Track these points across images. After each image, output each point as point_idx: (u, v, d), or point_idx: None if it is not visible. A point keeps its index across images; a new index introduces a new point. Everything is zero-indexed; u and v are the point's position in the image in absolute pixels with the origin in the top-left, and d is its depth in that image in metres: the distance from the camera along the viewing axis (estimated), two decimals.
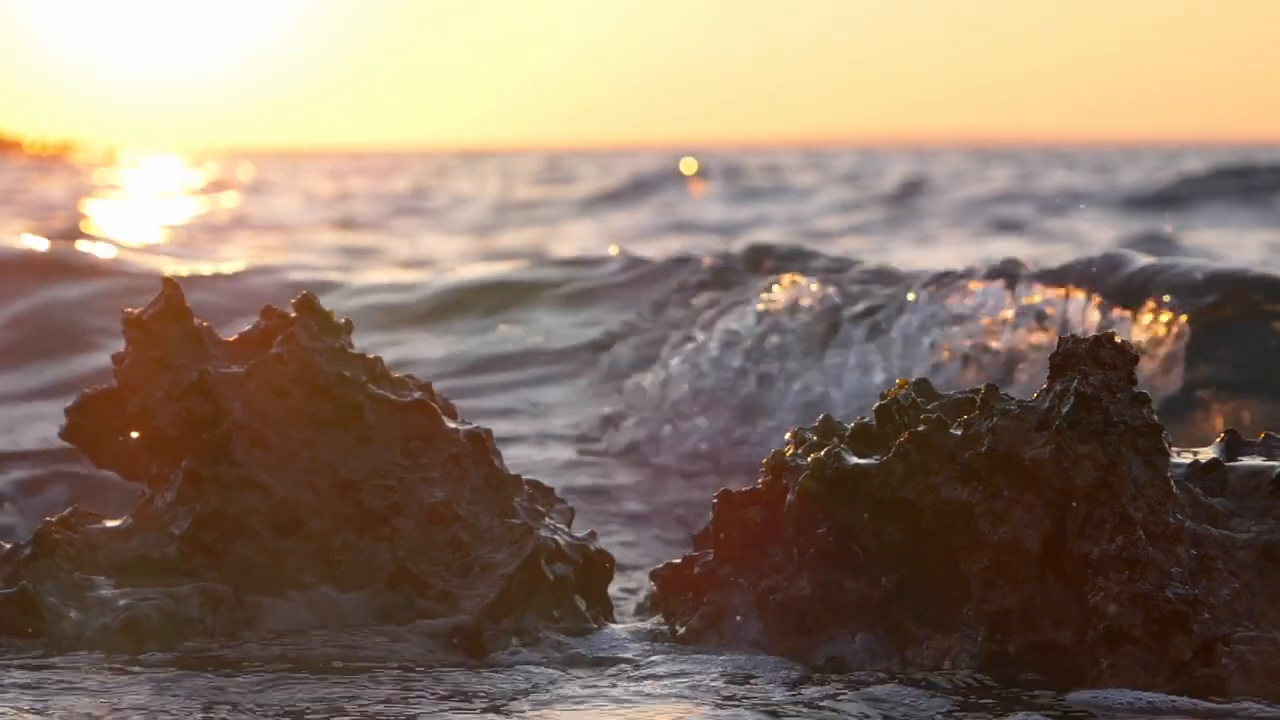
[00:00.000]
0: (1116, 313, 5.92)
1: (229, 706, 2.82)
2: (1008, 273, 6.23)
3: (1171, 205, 25.13)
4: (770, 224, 24.26)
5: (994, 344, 5.89)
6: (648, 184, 37.04)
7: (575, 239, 20.17)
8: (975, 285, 6.15)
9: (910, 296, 6.31)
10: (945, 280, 6.36)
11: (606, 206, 29.50)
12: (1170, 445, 3.00)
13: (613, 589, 3.50)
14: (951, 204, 27.39)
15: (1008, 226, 21.93)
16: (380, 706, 2.84)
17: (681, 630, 3.24)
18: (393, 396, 3.34)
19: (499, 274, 9.31)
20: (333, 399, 3.30)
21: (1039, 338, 5.86)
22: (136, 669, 2.99)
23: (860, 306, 6.49)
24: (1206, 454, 3.17)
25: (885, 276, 6.94)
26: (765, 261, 7.06)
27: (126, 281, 8.79)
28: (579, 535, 3.41)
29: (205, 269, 9.24)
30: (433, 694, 2.95)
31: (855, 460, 3.10)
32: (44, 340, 7.89)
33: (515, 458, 4.89)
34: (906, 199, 29.08)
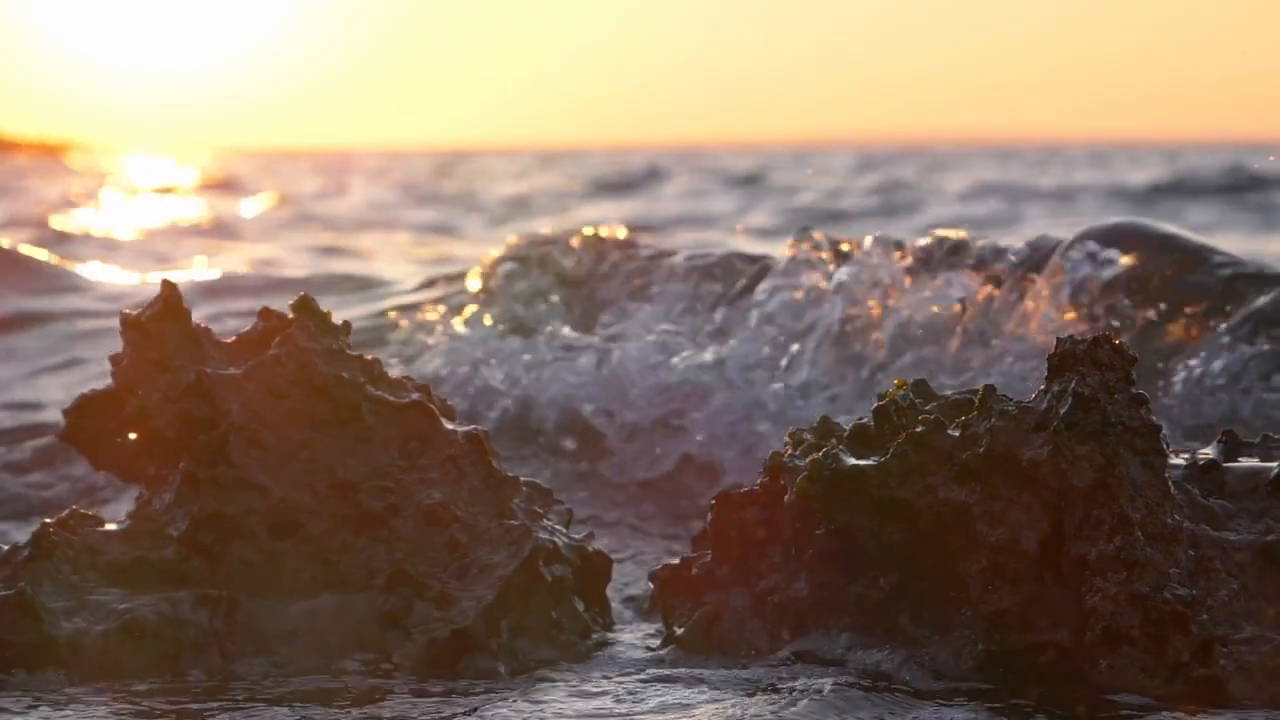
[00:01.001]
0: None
1: None
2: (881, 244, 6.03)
3: (1164, 202, 25.12)
4: (756, 215, 24.30)
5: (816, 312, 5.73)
6: (642, 182, 37.06)
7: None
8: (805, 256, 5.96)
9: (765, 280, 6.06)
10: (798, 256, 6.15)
11: (602, 203, 29.49)
12: (1169, 446, 3.00)
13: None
14: (941, 199, 27.38)
15: (995, 221, 21.89)
16: None
17: (680, 631, 3.24)
18: (391, 398, 3.34)
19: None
20: (331, 400, 3.30)
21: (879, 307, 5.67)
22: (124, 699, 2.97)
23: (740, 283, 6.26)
24: (1205, 455, 3.18)
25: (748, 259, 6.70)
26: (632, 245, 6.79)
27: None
28: (577, 536, 3.41)
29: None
30: (431, 699, 2.95)
31: (853, 461, 3.10)
32: None
33: None
34: (896, 194, 29.09)
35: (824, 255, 5.73)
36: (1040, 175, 37.22)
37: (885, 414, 3.18)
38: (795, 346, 5.38)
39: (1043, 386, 3.00)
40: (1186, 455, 3.17)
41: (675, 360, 5.51)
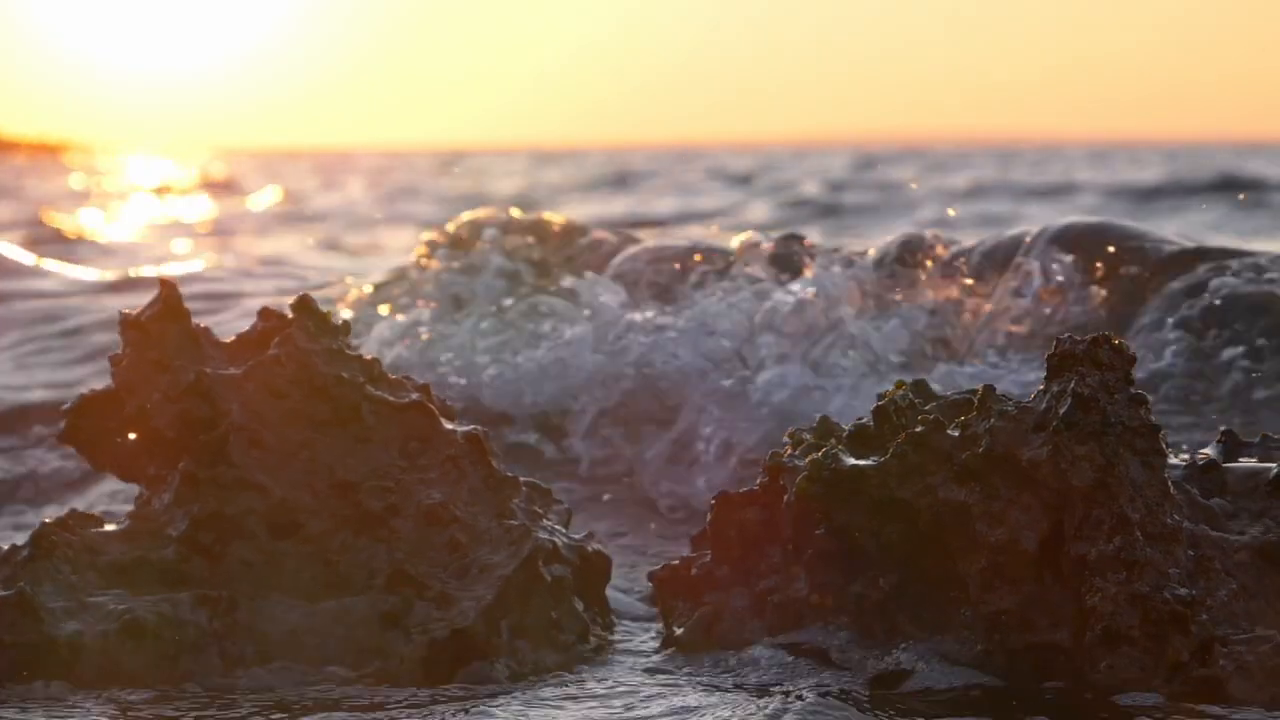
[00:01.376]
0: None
1: None
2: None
3: (1164, 201, 25.10)
4: (752, 211, 24.30)
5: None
6: (641, 178, 37.08)
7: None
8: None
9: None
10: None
11: (602, 199, 29.49)
12: (1168, 446, 3.00)
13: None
14: (942, 198, 27.37)
15: (997, 220, 21.82)
16: None
17: (679, 631, 3.24)
18: (390, 398, 3.34)
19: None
20: (331, 400, 3.30)
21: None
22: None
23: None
24: (1204, 455, 3.18)
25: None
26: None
27: None
28: (576, 536, 3.41)
29: None
30: (430, 700, 2.95)
31: (853, 461, 3.10)
32: None
33: None
34: (895, 193, 29.07)
35: (765, 270, 5.62)
36: (1040, 174, 37.19)
37: (885, 414, 3.18)
38: (729, 381, 5.27)
39: (1042, 386, 3.00)
40: (1186, 455, 3.17)
41: (617, 358, 5.42)
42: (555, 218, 6.53)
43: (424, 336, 5.72)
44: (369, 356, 3.43)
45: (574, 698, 2.96)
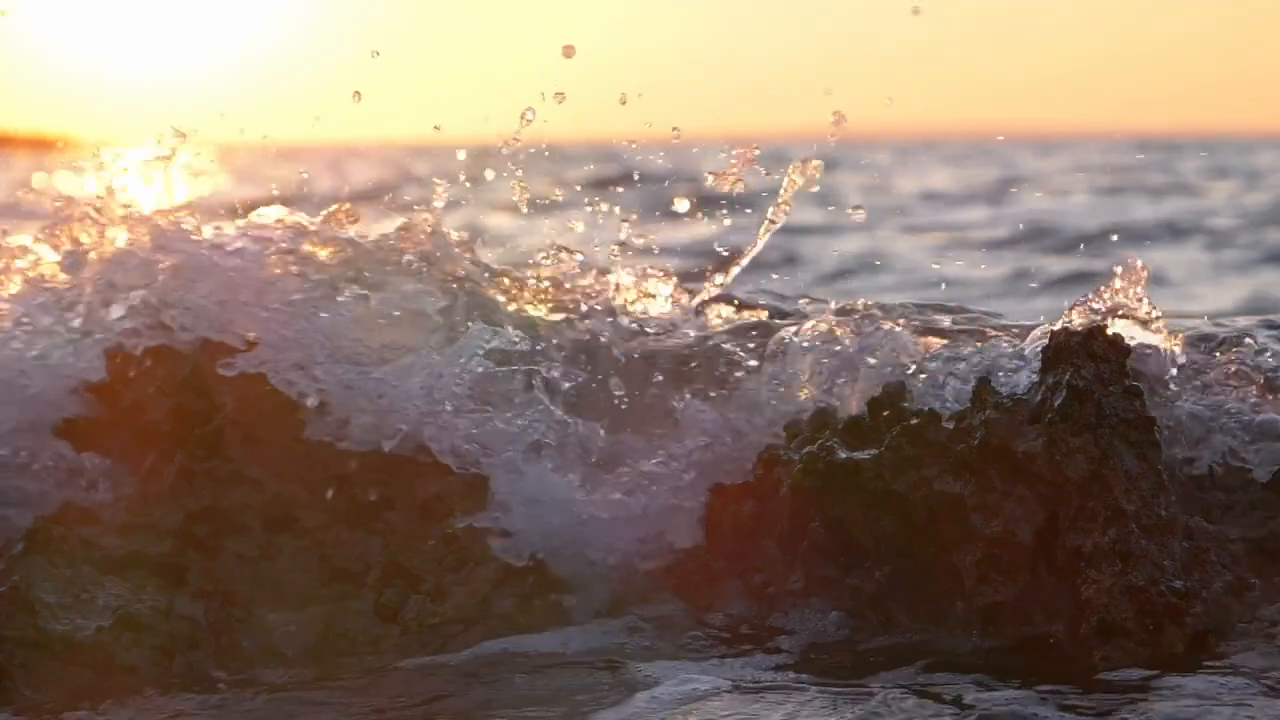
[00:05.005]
0: None
1: None
2: None
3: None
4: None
5: None
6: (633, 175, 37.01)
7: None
8: None
9: None
10: None
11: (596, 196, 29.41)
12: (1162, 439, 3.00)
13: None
14: (917, 195, 27.35)
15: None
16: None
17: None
18: None
19: None
20: None
21: None
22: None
23: None
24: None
25: None
26: None
27: None
28: None
29: None
30: (426, 693, 2.95)
31: (847, 454, 3.09)
32: None
33: None
34: (873, 192, 28.97)
35: None
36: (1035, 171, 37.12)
37: (880, 406, 3.17)
38: None
39: (1037, 379, 3.00)
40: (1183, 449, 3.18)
41: None
42: None
43: None
44: None
45: (571, 693, 2.95)
